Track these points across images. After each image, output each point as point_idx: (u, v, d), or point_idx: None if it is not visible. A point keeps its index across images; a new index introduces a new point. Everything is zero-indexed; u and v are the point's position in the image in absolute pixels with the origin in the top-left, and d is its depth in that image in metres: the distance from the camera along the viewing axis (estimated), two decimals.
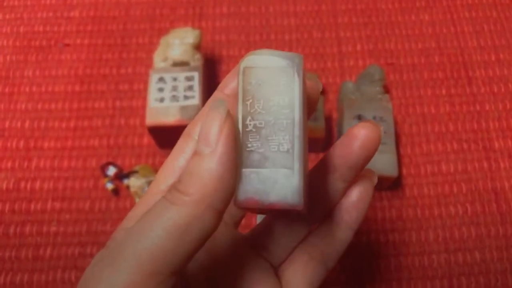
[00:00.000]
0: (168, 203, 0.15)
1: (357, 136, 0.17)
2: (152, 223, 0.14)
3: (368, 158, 0.18)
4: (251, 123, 0.16)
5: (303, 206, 0.16)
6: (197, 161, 0.15)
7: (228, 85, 0.18)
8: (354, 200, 0.19)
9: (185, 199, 0.14)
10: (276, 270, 0.19)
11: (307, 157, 0.17)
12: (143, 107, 0.37)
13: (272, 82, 0.16)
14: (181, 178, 0.15)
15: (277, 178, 0.16)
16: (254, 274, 0.18)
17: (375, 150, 0.18)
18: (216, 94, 0.19)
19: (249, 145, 0.16)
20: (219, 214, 0.15)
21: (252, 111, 0.16)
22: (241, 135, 0.16)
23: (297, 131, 0.16)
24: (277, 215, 0.19)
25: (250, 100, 0.16)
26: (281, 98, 0.16)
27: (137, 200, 0.33)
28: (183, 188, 0.15)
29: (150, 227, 0.14)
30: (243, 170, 0.16)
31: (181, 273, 0.15)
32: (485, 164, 0.35)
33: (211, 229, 0.15)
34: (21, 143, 0.36)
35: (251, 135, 0.16)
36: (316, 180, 0.18)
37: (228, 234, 0.19)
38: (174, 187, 0.15)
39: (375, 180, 0.19)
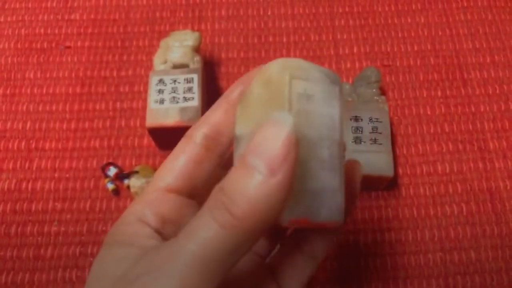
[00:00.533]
0: (216, 225, 0.14)
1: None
2: (192, 245, 0.14)
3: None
4: None
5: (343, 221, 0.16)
6: (252, 181, 0.13)
7: (234, 92, 0.18)
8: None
9: (235, 223, 0.13)
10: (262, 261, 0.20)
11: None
12: (143, 108, 0.37)
13: (320, 98, 0.16)
14: (230, 195, 0.14)
15: (325, 196, 0.15)
16: (253, 274, 0.19)
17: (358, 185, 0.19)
18: (223, 100, 0.19)
19: None
20: (261, 237, 0.14)
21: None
22: None
23: (339, 150, 0.16)
24: (306, 229, 0.19)
25: (293, 113, 0.15)
26: (327, 115, 0.16)
27: None
28: (234, 209, 0.13)
29: (189, 250, 0.13)
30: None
31: None
32: (480, 165, 0.36)
33: (250, 249, 0.14)
34: (23, 144, 0.36)
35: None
36: None
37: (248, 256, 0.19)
38: (222, 204, 0.14)
39: (361, 170, 0.19)
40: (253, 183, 0.13)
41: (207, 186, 0.19)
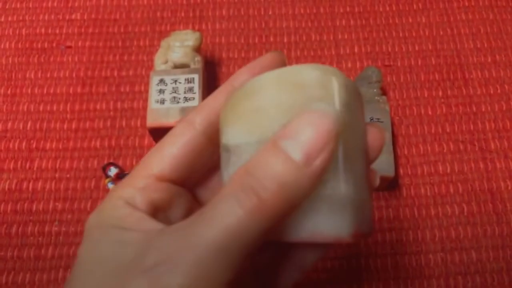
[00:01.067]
0: (241, 211, 0.13)
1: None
2: (212, 228, 0.13)
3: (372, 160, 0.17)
4: None
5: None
6: (285, 166, 0.13)
7: (238, 79, 0.17)
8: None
9: (262, 208, 0.13)
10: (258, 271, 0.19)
11: None
12: (144, 108, 0.37)
13: (356, 109, 0.15)
14: (260, 177, 0.13)
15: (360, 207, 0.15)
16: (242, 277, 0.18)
17: (378, 152, 0.16)
18: (227, 85, 0.18)
19: None
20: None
21: None
22: None
23: (367, 161, 0.15)
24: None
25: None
26: (361, 127, 0.15)
27: None
28: (262, 193, 0.13)
29: (209, 234, 0.13)
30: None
31: None
32: (481, 165, 0.36)
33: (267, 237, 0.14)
34: (23, 144, 0.36)
35: None
36: None
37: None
38: (251, 188, 0.13)
39: (377, 180, 0.17)
40: (286, 168, 0.13)
41: (203, 176, 0.18)
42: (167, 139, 0.17)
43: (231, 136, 0.15)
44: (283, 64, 0.18)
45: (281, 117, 0.14)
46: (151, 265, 0.13)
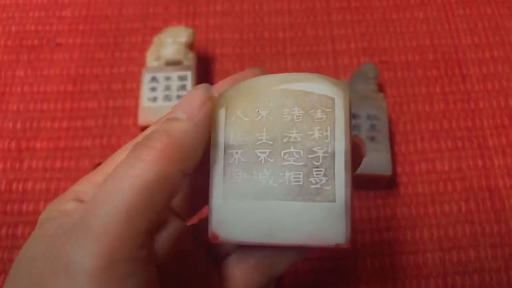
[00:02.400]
0: (135, 160, 0.14)
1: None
2: (120, 182, 0.14)
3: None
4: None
5: None
6: (172, 122, 0.15)
7: (218, 90, 0.18)
8: None
9: (155, 154, 0.14)
10: (219, 264, 0.19)
11: None
12: (136, 106, 0.37)
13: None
14: (150, 136, 0.15)
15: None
16: (196, 268, 0.18)
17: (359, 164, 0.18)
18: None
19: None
20: (183, 178, 0.15)
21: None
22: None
23: None
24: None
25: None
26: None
27: None
28: (153, 144, 0.14)
29: (118, 187, 0.14)
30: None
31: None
32: (480, 162, 0.35)
33: (177, 192, 0.15)
34: (13, 144, 0.36)
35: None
36: None
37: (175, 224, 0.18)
38: (142, 144, 0.14)
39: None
40: (174, 124, 0.15)
41: None
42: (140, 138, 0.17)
43: (233, 134, 0.16)
44: None
45: (287, 122, 0.16)
46: (60, 243, 0.13)
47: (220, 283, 0.18)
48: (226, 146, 0.16)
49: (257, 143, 0.16)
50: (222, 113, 0.16)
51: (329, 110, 0.15)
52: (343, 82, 0.16)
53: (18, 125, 0.36)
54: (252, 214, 0.15)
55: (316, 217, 0.15)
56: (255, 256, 0.18)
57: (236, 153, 0.16)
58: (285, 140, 0.15)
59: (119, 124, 0.36)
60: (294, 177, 0.15)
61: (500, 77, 0.39)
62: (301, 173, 0.15)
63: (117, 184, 0.14)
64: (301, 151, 0.15)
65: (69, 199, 0.15)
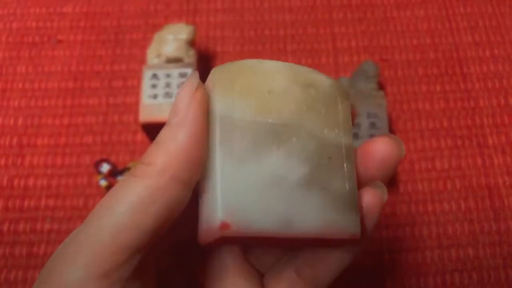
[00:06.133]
0: (131, 177, 0.14)
1: (374, 155, 0.15)
2: (115, 198, 0.14)
3: (386, 178, 0.16)
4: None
5: None
6: (164, 131, 0.14)
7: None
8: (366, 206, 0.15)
9: (148, 169, 0.14)
10: (261, 279, 0.17)
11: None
12: (137, 103, 0.37)
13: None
14: (147, 151, 0.14)
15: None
16: (238, 280, 0.17)
17: (394, 169, 0.15)
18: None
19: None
20: (186, 186, 0.14)
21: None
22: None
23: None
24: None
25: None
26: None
27: None
28: (147, 159, 0.14)
29: (114, 202, 0.13)
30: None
31: (153, 254, 0.14)
32: (479, 161, 0.35)
33: (179, 202, 0.14)
34: (14, 140, 0.36)
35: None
36: None
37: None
38: (140, 161, 0.14)
39: (385, 196, 0.16)
40: (165, 132, 0.14)
41: None
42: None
43: (239, 109, 0.15)
44: None
45: (293, 107, 0.15)
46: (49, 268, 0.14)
47: None
48: (232, 127, 0.15)
49: (266, 127, 0.15)
50: (220, 93, 0.15)
51: (333, 102, 0.16)
52: (340, 80, 0.17)
53: (20, 122, 0.36)
54: (267, 201, 0.14)
55: (329, 207, 0.14)
56: (295, 264, 0.17)
57: (245, 135, 0.14)
58: (293, 127, 0.15)
59: (119, 121, 0.37)
60: (305, 166, 0.15)
61: (500, 75, 0.39)
62: (312, 161, 0.15)
63: (111, 202, 0.14)
64: (311, 140, 0.15)
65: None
